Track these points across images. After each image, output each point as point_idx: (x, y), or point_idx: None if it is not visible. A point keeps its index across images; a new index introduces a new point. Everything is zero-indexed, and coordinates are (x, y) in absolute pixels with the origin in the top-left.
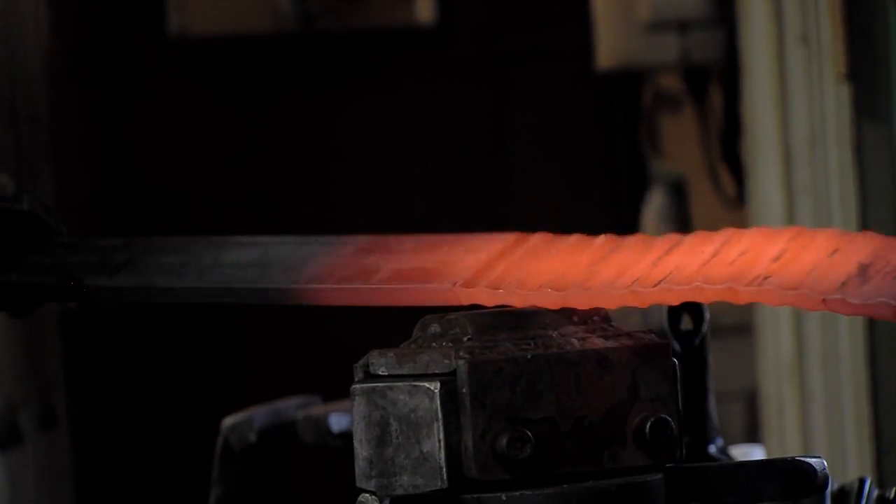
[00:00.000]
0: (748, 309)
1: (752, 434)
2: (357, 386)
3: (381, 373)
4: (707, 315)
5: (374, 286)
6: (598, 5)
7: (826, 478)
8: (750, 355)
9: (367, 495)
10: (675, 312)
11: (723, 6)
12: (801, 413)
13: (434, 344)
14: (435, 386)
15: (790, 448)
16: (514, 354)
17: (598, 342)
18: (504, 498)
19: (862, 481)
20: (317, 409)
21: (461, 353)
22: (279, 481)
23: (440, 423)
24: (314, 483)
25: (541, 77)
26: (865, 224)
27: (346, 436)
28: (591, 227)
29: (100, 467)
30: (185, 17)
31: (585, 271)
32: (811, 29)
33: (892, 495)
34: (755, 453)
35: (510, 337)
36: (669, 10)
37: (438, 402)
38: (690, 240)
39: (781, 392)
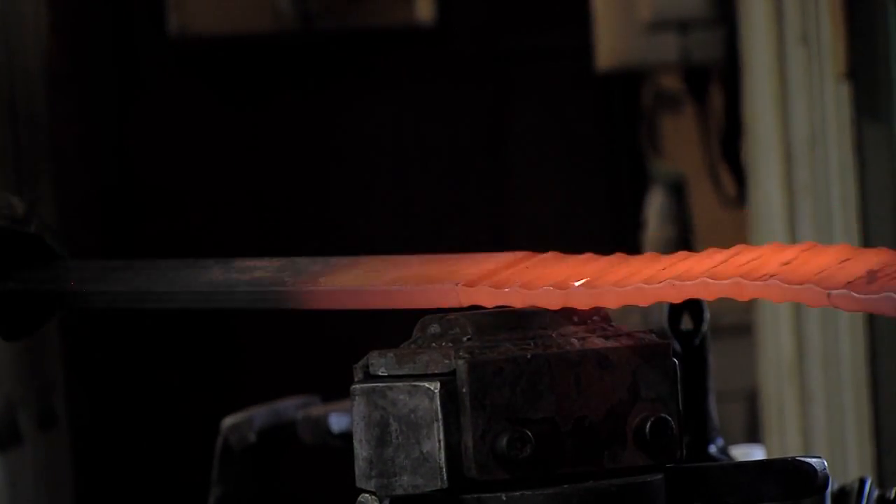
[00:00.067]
0: (748, 309)
1: (753, 434)
2: (357, 386)
3: (380, 373)
4: (707, 315)
5: (375, 288)
6: (598, 5)
7: (826, 478)
8: (750, 355)
9: (367, 495)
10: (675, 312)
11: (723, 6)
12: (801, 413)
13: (434, 344)
14: (435, 386)
15: (790, 448)
16: (515, 354)
17: (598, 342)
18: (504, 498)
19: (862, 481)
20: (317, 410)
21: (461, 354)
22: (279, 481)
23: (440, 423)
24: (314, 483)
25: (541, 77)
26: (866, 224)
27: (346, 436)
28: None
29: (99, 467)
30: (185, 16)
31: (591, 275)
32: (811, 28)
33: (892, 495)
34: (755, 453)
35: (510, 337)
36: (669, 9)
37: (438, 403)
38: (702, 252)
39: (782, 392)
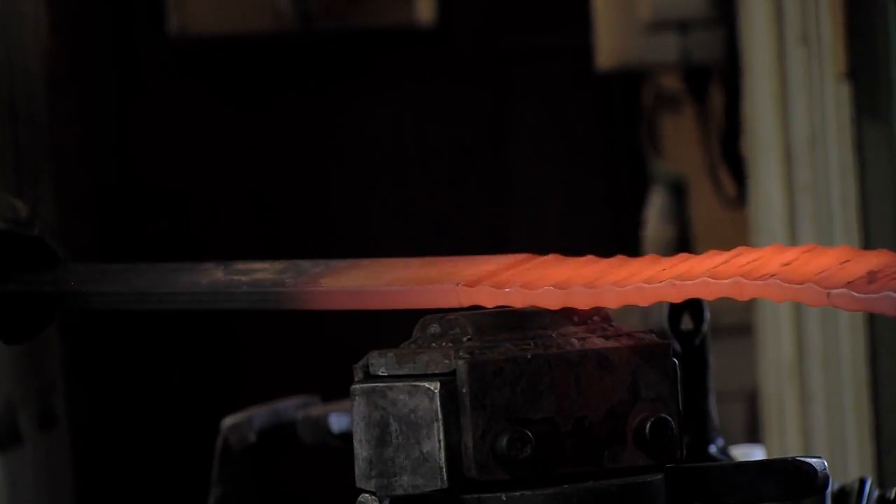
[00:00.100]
0: (748, 309)
1: (753, 434)
2: (357, 386)
3: (380, 373)
4: (707, 315)
5: (375, 288)
6: (598, 5)
7: (826, 478)
8: (750, 355)
9: (367, 495)
10: (675, 312)
11: (723, 6)
12: (801, 413)
13: (434, 344)
14: (435, 386)
15: (790, 448)
16: (515, 354)
17: (598, 342)
18: (504, 498)
19: (862, 481)
20: (316, 410)
21: (461, 354)
22: (279, 481)
23: (440, 423)
24: (314, 483)
25: (541, 77)
26: (866, 224)
27: (346, 436)
28: (591, 228)
29: (99, 467)
30: (185, 16)
31: (592, 276)
32: (811, 28)
33: (892, 495)
34: (756, 453)
35: (510, 337)
36: (670, 9)
37: (438, 403)
38: (703, 255)
39: (782, 392)
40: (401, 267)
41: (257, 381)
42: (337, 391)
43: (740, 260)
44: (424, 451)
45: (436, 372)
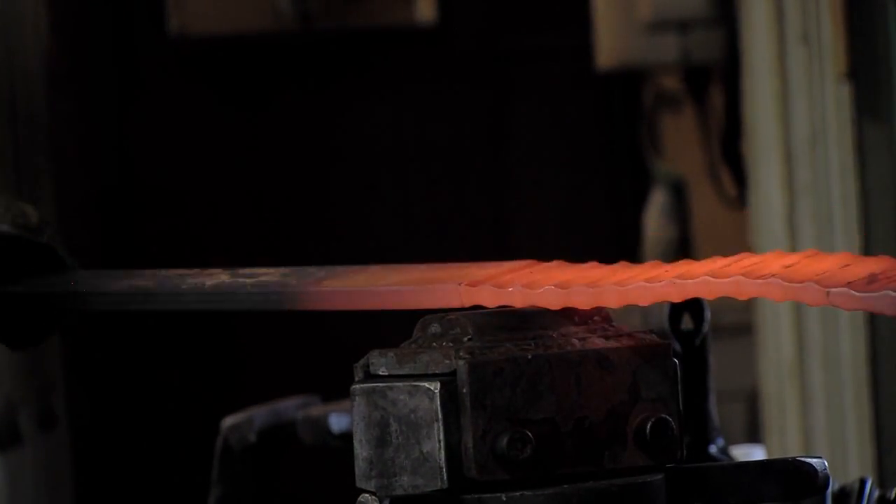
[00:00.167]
0: (749, 309)
1: (753, 434)
2: (357, 386)
3: (381, 373)
4: (708, 315)
5: (378, 288)
6: (598, 5)
7: (827, 478)
8: (751, 355)
9: (367, 495)
10: (675, 312)
11: (723, 6)
12: (801, 413)
13: (434, 344)
14: (435, 386)
15: (791, 448)
16: (515, 355)
17: (598, 342)
18: (504, 498)
19: (863, 481)
20: (316, 410)
21: (461, 354)
22: (279, 481)
23: (440, 423)
24: (314, 483)
25: (541, 77)
26: (866, 224)
27: (346, 436)
28: (591, 227)
29: (99, 467)
30: (185, 17)
31: (594, 278)
32: (812, 28)
33: (892, 496)
34: (756, 453)
35: (511, 337)
36: (670, 9)
37: (438, 403)
38: (705, 260)
39: (782, 392)
40: (405, 271)
41: (257, 381)
42: (337, 391)
43: (742, 262)
44: (424, 451)
45: (436, 372)
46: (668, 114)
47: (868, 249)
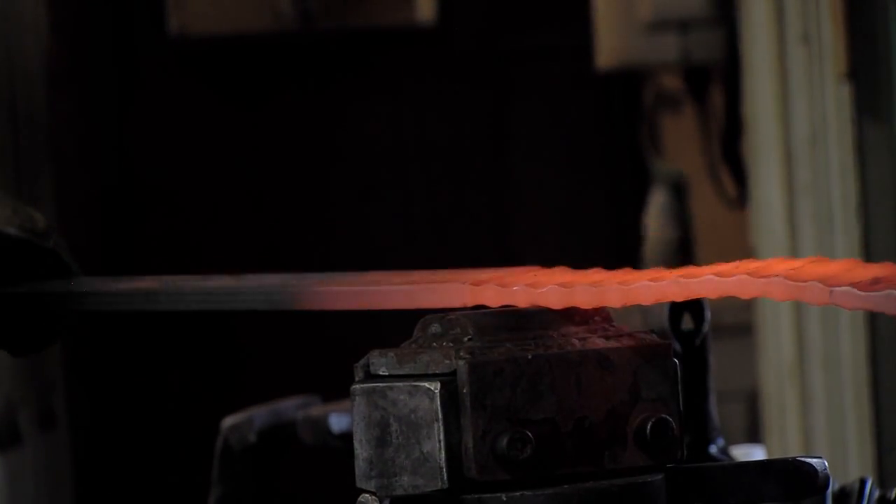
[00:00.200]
0: (749, 309)
1: (753, 434)
2: (357, 386)
3: (381, 373)
4: (708, 315)
5: (382, 287)
6: (599, 5)
7: (827, 478)
8: (751, 355)
9: (367, 496)
10: (675, 312)
11: (723, 6)
12: (801, 413)
13: (434, 344)
14: (435, 386)
15: (791, 448)
16: (515, 355)
17: (599, 342)
18: (504, 498)
19: (863, 482)
20: (317, 410)
21: (462, 354)
22: (279, 481)
23: (440, 423)
24: (314, 483)
25: (541, 77)
26: (866, 224)
27: (346, 436)
28: (592, 227)
29: (99, 467)
30: (185, 17)
31: (598, 279)
32: (812, 28)
33: (893, 496)
34: (756, 453)
35: (511, 337)
36: (670, 9)
37: (439, 403)
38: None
39: (782, 392)
40: (408, 275)
41: (257, 381)
42: (337, 391)
43: (745, 266)
44: (425, 451)
45: (436, 372)
46: (668, 114)
47: (868, 249)
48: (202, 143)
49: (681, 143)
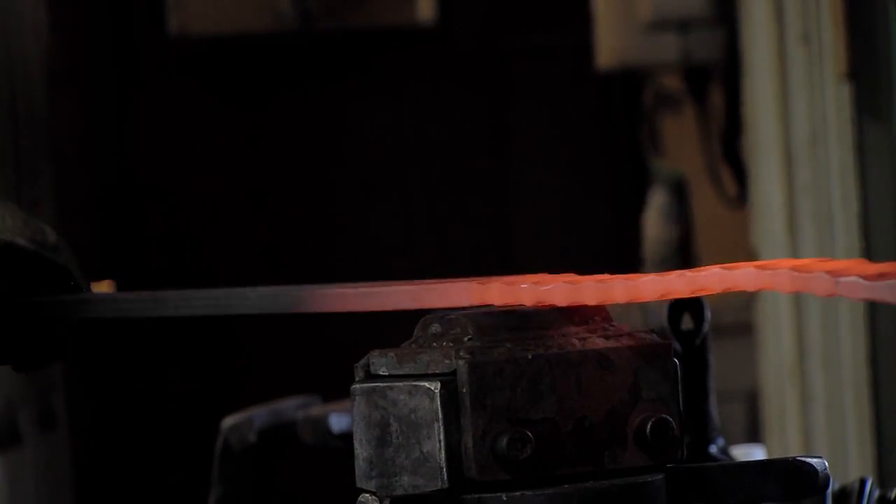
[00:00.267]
0: (749, 308)
1: (753, 434)
2: (357, 386)
3: (381, 373)
4: (708, 315)
5: (391, 288)
6: (599, 5)
7: (827, 478)
8: (751, 355)
9: (368, 495)
10: (675, 312)
11: (723, 6)
12: (802, 413)
13: (435, 344)
14: (435, 386)
15: (791, 448)
16: (515, 355)
17: (599, 342)
18: (504, 498)
19: (863, 481)
20: (317, 410)
21: (462, 354)
22: (279, 481)
23: (440, 423)
24: (314, 483)
25: (541, 77)
26: (866, 224)
27: (346, 436)
28: (592, 227)
29: (99, 467)
30: (185, 17)
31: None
32: (812, 28)
33: (893, 496)
34: (756, 453)
35: (511, 337)
36: (670, 9)
37: (439, 403)
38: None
39: (782, 392)
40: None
41: (257, 381)
42: (337, 391)
43: (753, 263)
44: (425, 451)
45: (436, 372)
46: (668, 114)
47: (868, 249)
48: (202, 143)
49: (681, 143)
